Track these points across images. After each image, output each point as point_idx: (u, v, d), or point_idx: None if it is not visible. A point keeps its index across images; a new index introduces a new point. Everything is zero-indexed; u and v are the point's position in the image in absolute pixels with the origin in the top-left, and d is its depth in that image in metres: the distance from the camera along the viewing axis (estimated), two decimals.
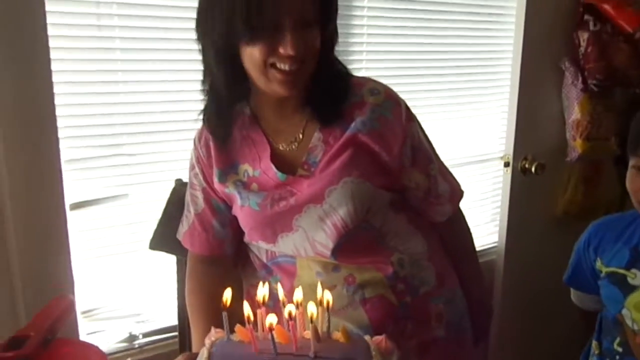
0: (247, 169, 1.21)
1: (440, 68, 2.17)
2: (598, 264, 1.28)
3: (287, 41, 1.02)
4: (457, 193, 1.30)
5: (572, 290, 1.42)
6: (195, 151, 1.27)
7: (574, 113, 2.30)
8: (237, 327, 0.87)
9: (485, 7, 2.23)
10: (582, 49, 2.25)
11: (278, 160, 1.19)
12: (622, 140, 2.46)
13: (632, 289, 1.20)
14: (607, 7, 2.21)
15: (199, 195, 1.28)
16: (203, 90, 1.20)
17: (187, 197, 1.31)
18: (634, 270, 1.21)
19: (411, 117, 1.23)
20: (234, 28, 1.03)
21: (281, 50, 1.03)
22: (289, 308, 0.83)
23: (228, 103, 1.19)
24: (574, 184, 2.42)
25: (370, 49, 2.00)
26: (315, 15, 1.07)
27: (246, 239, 1.26)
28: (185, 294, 1.33)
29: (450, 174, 1.32)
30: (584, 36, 2.25)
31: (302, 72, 1.09)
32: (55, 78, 1.45)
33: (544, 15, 2.23)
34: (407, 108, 1.23)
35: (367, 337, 0.89)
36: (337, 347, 0.83)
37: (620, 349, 1.22)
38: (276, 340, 0.81)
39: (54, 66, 1.44)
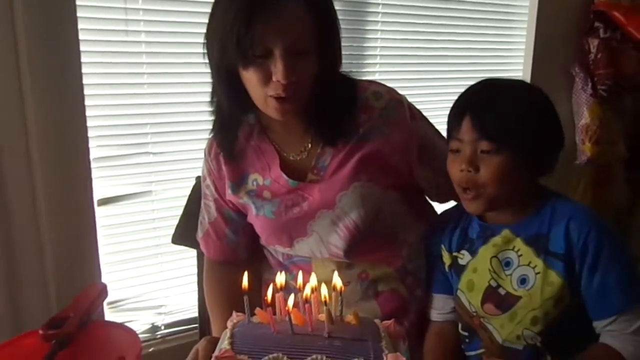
0: (256, 178, 1.24)
1: (453, 72, 2.23)
2: (443, 254, 1.24)
3: (279, 69, 1.03)
4: None
5: (432, 311, 1.26)
6: (206, 163, 1.30)
7: (584, 118, 2.35)
8: (257, 310, 0.92)
9: (496, 13, 2.29)
10: (592, 55, 2.30)
11: (288, 167, 1.22)
12: (631, 145, 2.50)
13: (462, 269, 1.18)
14: (617, 14, 2.26)
15: (212, 205, 1.31)
16: (212, 105, 1.22)
17: (202, 205, 1.36)
18: (463, 251, 1.19)
19: (415, 115, 1.25)
20: (229, 52, 1.06)
21: (273, 78, 1.06)
22: (306, 291, 0.89)
23: (232, 118, 1.22)
24: (584, 187, 2.46)
25: (383, 52, 2.07)
26: (310, 44, 1.07)
27: (262, 242, 1.30)
28: (204, 291, 1.38)
29: None
30: (594, 43, 2.29)
31: (297, 99, 1.11)
32: (85, 80, 1.54)
33: (555, 21, 2.28)
34: (410, 105, 1.25)
35: (377, 321, 0.94)
36: (349, 328, 0.88)
37: (466, 333, 1.20)
38: (293, 322, 0.87)
39: (84, 69, 1.53)
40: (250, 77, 1.07)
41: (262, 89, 1.08)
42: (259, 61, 1.05)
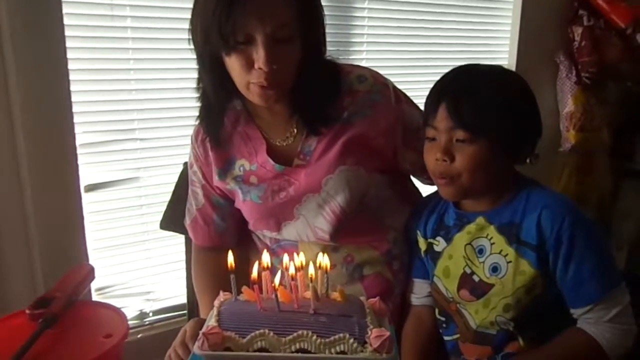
0: (243, 164, 1.25)
1: (439, 59, 2.24)
2: (418, 239, 1.24)
3: (260, 55, 1.03)
4: None
5: (412, 296, 1.27)
6: (193, 150, 1.30)
7: (568, 105, 2.37)
8: (244, 288, 0.93)
9: (482, 0, 2.31)
10: (576, 43, 2.33)
11: (274, 153, 1.22)
12: (614, 132, 2.54)
13: (438, 255, 1.18)
14: (600, 2, 2.29)
15: (199, 191, 1.32)
16: (198, 91, 1.22)
17: (189, 192, 1.36)
18: (438, 238, 1.18)
19: (400, 98, 1.25)
20: (212, 39, 1.06)
21: (255, 65, 1.06)
22: (292, 270, 0.91)
23: (217, 105, 1.22)
24: (568, 174, 2.48)
25: (370, 40, 2.08)
26: (293, 30, 1.06)
27: (250, 227, 1.31)
28: (192, 277, 1.39)
29: None
30: (578, 31, 2.32)
31: (280, 85, 1.11)
32: (71, 66, 1.53)
33: (540, 9, 2.30)
34: (395, 88, 1.25)
35: (362, 298, 0.96)
36: (335, 305, 0.90)
37: (443, 318, 1.20)
38: (279, 299, 0.88)
39: (69, 54, 1.52)
40: (232, 64, 1.08)
41: (245, 76, 1.08)
42: (241, 47, 1.05)
